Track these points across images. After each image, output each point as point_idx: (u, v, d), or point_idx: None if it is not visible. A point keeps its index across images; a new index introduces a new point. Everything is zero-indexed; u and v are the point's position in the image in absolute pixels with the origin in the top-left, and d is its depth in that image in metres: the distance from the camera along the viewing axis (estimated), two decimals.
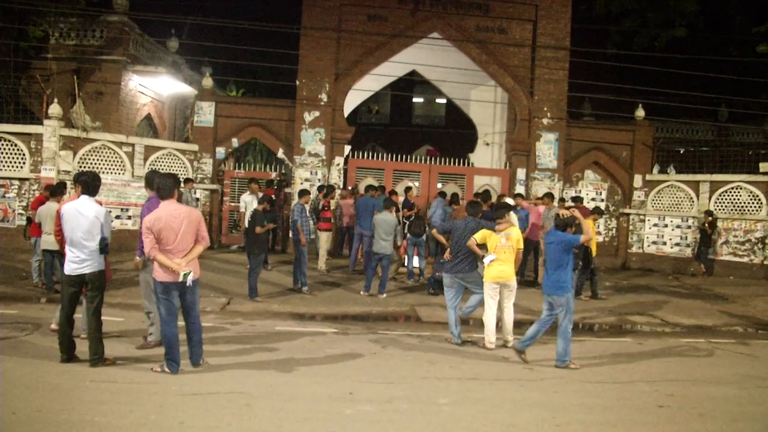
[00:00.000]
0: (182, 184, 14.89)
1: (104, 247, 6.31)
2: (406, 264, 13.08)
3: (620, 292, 13.09)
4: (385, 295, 11.30)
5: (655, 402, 6.14)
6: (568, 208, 11.07)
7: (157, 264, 6.06)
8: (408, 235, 12.71)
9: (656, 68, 18.44)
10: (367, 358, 7.33)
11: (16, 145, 14.19)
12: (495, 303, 8.07)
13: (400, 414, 5.47)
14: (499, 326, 8.17)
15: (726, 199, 16.13)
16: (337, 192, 15.40)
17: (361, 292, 11.37)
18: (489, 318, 8.06)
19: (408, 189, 14.96)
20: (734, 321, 10.85)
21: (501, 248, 7.96)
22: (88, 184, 6.45)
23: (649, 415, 5.80)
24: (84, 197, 6.41)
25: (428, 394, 6.08)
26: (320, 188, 14.24)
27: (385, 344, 8.06)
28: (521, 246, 8.17)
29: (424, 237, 12.85)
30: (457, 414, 5.56)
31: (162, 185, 6.25)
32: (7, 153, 14.19)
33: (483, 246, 8.12)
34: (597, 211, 12.51)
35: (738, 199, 15.94)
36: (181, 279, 5.96)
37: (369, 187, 14.60)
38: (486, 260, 8.01)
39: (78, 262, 6.21)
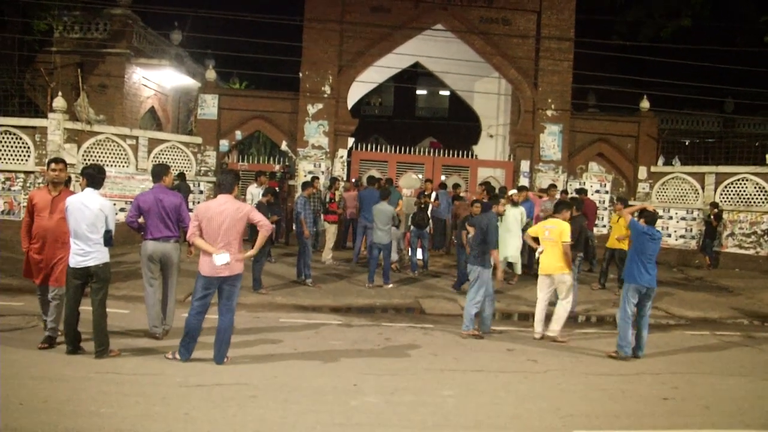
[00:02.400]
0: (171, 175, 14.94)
1: (108, 240, 6.33)
2: (410, 256, 13.09)
3: None
4: (391, 284, 11.31)
5: (660, 394, 6.13)
6: (574, 199, 11.08)
7: (201, 259, 6.21)
8: (411, 227, 12.70)
9: (661, 59, 18.30)
10: (372, 350, 7.34)
11: (21, 139, 14.22)
12: (542, 294, 8.36)
13: (404, 405, 5.47)
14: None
15: (732, 191, 16.04)
16: (341, 184, 15.40)
17: (367, 285, 11.38)
18: (537, 308, 8.38)
19: (456, 186, 15.37)
20: (739, 313, 10.81)
21: (544, 240, 8.30)
22: (93, 177, 6.48)
23: (654, 407, 5.79)
24: (89, 190, 6.42)
25: (432, 385, 6.09)
26: (333, 180, 14.46)
27: (389, 336, 8.06)
28: (565, 239, 8.17)
29: (427, 229, 12.87)
30: (462, 406, 5.56)
31: (222, 180, 6.48)
32: (12, 146, 14.23)
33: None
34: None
35: (744, 191, 15.86)
36: (213, 256, 6.06)
37: (371, 179, 14.60)
38: (536, 253, 8.50)
39: (83, 254, 6.23)
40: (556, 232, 8.21)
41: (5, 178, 14.09)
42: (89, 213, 6.24)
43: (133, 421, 4.80)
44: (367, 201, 13.37)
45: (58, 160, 6.89)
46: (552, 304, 8.44)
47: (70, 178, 10.88)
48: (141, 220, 7.22)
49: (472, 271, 8.39)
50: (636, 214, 7.99)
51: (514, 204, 11.84)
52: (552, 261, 8.21)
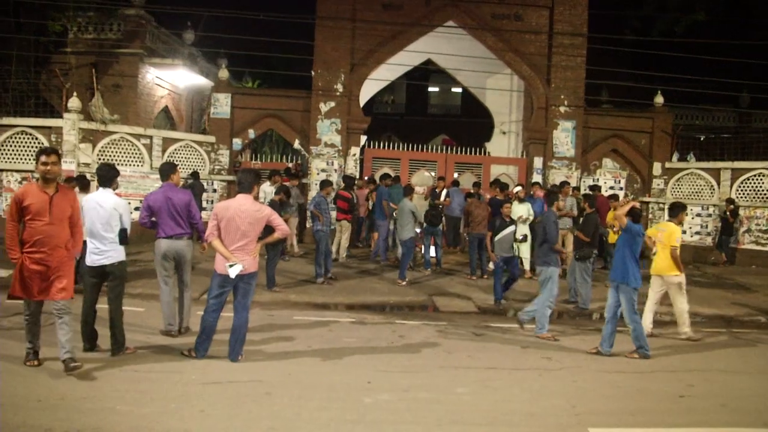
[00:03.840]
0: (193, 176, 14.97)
1: (123, 238, 6.39)
2: (423, 253, 13.09)
3: None
4: (405, 281, 11.33)
5: (676, 392, 6.09)
6: (587, 195, 11.02)
7: (217, 257, 6.23)
8: (424, 224, 12.69)
9: (675, 54, 18.13)
10: (385, 348, 7.35)
11: (36, 139, 14.38)
12: (652, 294, 8.62)
13: (418, 403, 5.48)
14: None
15: (748, 186, 15.87)
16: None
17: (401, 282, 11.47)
18: (645, 307, 8.51)
19: (476, 185, 15.04)
20: (756, 311, 10.68)
21: (657, 243, 8.53)
22: (103, 176, 6.54)
23: (669, 404, 5.75)
24: (102, 189, 6.49)
25: (446, 383, 6.08)
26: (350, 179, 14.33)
27: (402, 333, 8.07)
28: (673, 243, 8.29)
29: (440, 227, 12.85)
30: (476, 403, 5.55)
31: (242, 179, 6.45)
32: (28, 146, 14.39)
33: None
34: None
35: (760, 187, 15.68)
36: (226, 265, 6.09)
37: (385, 177, 14.60)
38: (651, 254, 8.81)
39: (98, 253, 6.29)
40: (666, 235, 8.39)
41: (22, 178, 14.24)
42: (103, 212, 6.30)
43: (150, 418, 4.85)
44: (379, 198, 13.40)
45: (49, 152, 5.75)
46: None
47: (85, 176, 10.95)
48: (153, 219, 7.28)
49: (542, 273, 8.38)
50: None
51: (521, 200, 11.97)
52: (662, 262, 8.44)
